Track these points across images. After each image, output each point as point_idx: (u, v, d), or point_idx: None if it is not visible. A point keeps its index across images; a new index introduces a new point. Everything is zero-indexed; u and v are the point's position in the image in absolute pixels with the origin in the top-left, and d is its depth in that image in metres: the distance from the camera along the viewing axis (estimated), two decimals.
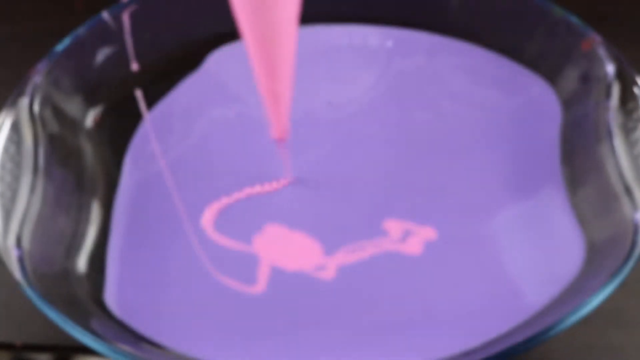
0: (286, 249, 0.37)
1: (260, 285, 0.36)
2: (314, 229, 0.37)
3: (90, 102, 0.40)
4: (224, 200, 0.38)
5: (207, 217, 0.38)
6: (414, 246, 0.36)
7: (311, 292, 0.36)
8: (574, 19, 0.37)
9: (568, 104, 0.38)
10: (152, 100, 0.41)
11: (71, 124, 0.38)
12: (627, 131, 0.34)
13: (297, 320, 0.35)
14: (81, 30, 0.38)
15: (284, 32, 0.31)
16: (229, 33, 0.42)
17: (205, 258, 0.37)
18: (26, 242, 0.33)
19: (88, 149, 0.39)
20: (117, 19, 0.39)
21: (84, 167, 0.38)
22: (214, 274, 0.36)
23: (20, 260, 0.33)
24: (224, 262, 0.37)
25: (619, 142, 0.34)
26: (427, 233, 0.37)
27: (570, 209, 0.36)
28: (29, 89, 0.36)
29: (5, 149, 0.35)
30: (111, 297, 0.36)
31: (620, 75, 0.35)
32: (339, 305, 0.35)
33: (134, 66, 0.40)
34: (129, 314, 0.35)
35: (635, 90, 0.35)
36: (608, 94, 0.35)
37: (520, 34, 0.40)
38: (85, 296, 0.35)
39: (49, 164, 0.35)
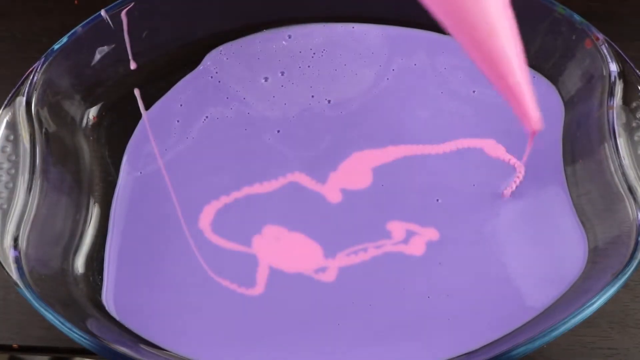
0: (286, 251, 0.37)
1: (259, 287, 0.36)
2: (315, 230, 0.37)
3: (88, 101, 0.39)
4: (223, 200, 0.38)
5: (206, 218, 0.38)
6: (416, 247, 0.36)
7: (311, 293, 0.35)
8: (577, 17, 0.37)
9: (571, 103, 0.38)
10: (150, 99, 0.41)
11: (69, 123, 0.38)
12: (631, 130, 0.34)
13: (296, 322, 0.35)
14: (79, 29, 0.38)
15: (498, 24, 0.29)
16: (228, 32, 0.42)
17: (203, 259, 0.37)
18: (23, 243, 0.33)
19: (86, 149, 0.39)
20: (116, 17, 0.39)
21: (82, 166, 0.38)
22: (212, 275, 0.36)
23: (17, 261, 0.33)
24: (223, 263, 0.36)
25: (622, 142, 0.34)
26: (430, 234, 0.36)
27: (572, 210, 0.36)
28: (26, 87, 0.36)
29: (2, 148, 0.35)
30: (109, 298, 0.36)
31: (624, 74, 0.35)
32: (340, 307, 0.35)
33: (132, 65, 0.40)
34: (127, 315, 0.35)
35: None
36: (611, 93, 0.35)
37: (523, 33, 0.39)
38: (82, 297, 0.35)
39: (46, 163, 0.35)
